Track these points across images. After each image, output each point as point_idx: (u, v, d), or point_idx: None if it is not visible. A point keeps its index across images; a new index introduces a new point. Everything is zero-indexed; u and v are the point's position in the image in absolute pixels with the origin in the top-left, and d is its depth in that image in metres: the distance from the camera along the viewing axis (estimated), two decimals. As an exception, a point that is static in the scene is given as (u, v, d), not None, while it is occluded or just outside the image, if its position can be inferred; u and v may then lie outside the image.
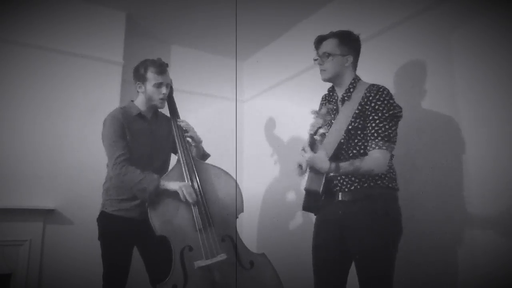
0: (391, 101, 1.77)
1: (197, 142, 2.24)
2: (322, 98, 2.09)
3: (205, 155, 2.32)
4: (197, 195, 2.04)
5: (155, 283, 2.01)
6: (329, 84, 2.00)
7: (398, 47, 2.49)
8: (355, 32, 1.93)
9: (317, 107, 2.10)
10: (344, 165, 1.70)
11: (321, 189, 1.75)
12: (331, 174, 1.66)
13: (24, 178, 2.71)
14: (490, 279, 1.89)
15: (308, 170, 1.80)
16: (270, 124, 3.63)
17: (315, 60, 1.92)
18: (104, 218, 2.13)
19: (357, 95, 1.83)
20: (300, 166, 1.89)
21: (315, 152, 1.71)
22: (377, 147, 1.72)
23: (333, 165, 1.67)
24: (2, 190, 2.63)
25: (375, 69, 2.58)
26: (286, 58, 3.50)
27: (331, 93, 2.00)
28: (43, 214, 2.72)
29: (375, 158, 1.72)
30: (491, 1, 2.04)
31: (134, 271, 2.15)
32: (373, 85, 1.84)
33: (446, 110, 2.18)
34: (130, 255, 2.13)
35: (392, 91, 2.07)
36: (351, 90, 1.87)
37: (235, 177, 2.20)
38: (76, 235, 2.76)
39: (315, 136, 1.58)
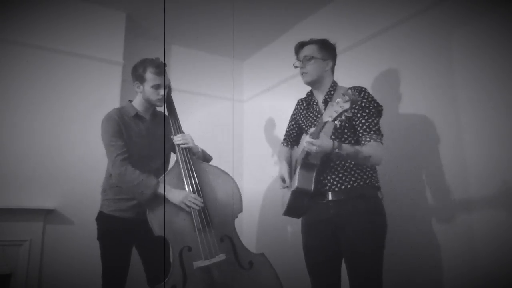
0: (374, 99, 1.88)
1: (195, 154, 2.21)
2: (298, 102, 2.17)
3: (207, 159, 2.31)
4: (198, 205, 2.01)
5: (153, 284, 2.01)
6: None
7: (399, 47, 2.49)
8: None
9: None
10: (346, 146, 1.72)
11: (312, 187, 1.79)
12: (336, 151, 1.66)
13: (24, 178, 2.71)
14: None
15: (298, 169, 1.83)
16: (270, 124, 3.62)
17: (296, 66, 2.02)
18: (102, 218, 2.13)
19: (339, 95, 1.86)
20: (283, 179, 1.97)
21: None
22: (372, 140, 1.78)
23: (336, 143, 1.68)
24: (2, 190, 2.63)
25: (375, 68, 2.59)
26: (286, 58, 3.49)
27: (309, 97, 2.08)
28: (43, 214, 2.72)
29: (373, 147, 1.77)
30: (491, 1, 2.04)
31: (133, 271, 2.16)
32: (352, 87, 1.91)
33: (446, 109, 2.17)
34: (129, 255, 2.13)
35: (391, 90, 2.08)
36: (332, 92, 1.96)
37: (228, 177, 2.17)
38: (76, 235, 2.76)
39: (335, 122, 1.55)
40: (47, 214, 2.74)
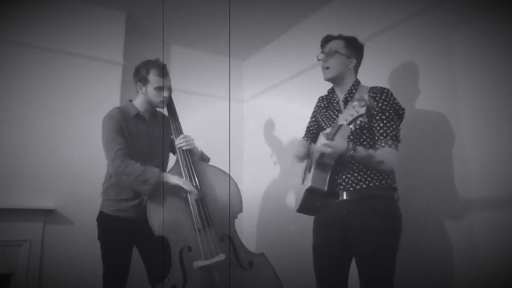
0: (396, 101, 1.82)
1: (195, 155, 2.22)
2: (319, 99, 2.11)
3: (205, 159, 2.32)
4: (198, 190, 2.05)
5: (154, 283, 2.01)
6: (329, 86, 2.02)
7: (398, 47, 2.49)
8: (358, 35, 2.00)
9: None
10: (360, 148, 1.71)
11: (326, 187, 1.78)
12: (351, 153, 1.67)
13: (24, 178, 2.71)
14: (491, 276, 1.90)
15: (312, 168, 1.82)
16: (270, 124, 3.63)
17: (319, 59, 1.95)
18: (103, 219, 2.14)
19: (360, 94, 1.84)
20: (298, 156, 1.97)
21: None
22: (386, 146, 1.75)
23: (351, 144, 1.68)
24: (2, 190, 2.63)
25: (375, 69, 2.58)
26: (286, 58, 3.50)
27: (330, 94, 2.03)
28: (43, 214, 2.72)
29: (387, 152, 1.75)
30: (491, 1, 2.04)
31: (133, 271, 2.16)
32: (375, 87, 1.87)
33: (446, 109, 2.17)
34: (129, 255, 2.13)
35: (391, 90, 2.06)
36: (353, 91, 1.90)
37: (228, 177, 2.19)
38: (76, 235, 2.76)
39: (350, 126, 1.53)
40: (47, 214, 2.74)
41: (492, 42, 2.01)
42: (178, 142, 2.17)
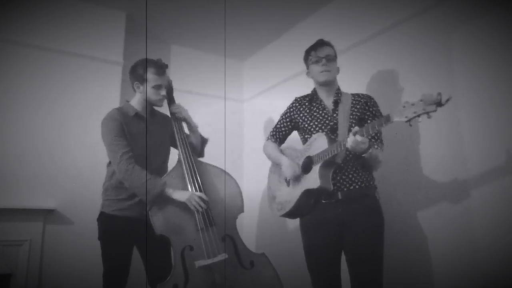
0: (379, 109, 2.02)
1: (194, 128, 2.24)
2: (297, 100, 2.15)
3: (204, 141, 2.32)
4: (204, 202, 2.04)
5: (154, 283, 2.01)
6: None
7: (398, 47, 2.49)
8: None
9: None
10: (373, 148, 1.81)
11: (331, 185, 1.84)
12: (368, 152, 1.74)
13: (24, 178, 2.70)
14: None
15: (318, 167, 1.85)
16: (270, 124, 3.62)
17: (316, 61, 2.02)
18: (103, 219, 2.14)
19: (346, 99, 1.99)
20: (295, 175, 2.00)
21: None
22: (378, 147, 1.89)
23: (370, 144, 1.76)
24: (2, 190, 2.62)
25: (375, 68, 2.59)
26: (286, 58, 3.50)
27: (314, 96, 2.08)
28: (43, 214, 2.71)
29: (379, 153, 1.89)
30: (491, 1, 2.05)
31: (134, 271, 2.16)
32: (358, 93, 2.03)
33: (446, 109, 2.17)
34: (130, 255, 2.13)
35: (391, 90, 2.10)
36: (339, 95, 2.02)
37: (230, 178, 2.21)
38: (76, 235, 2.76)
39: (409, 123, 1.53)
40: (47, 214, 2.73)
41: (492, 42, 2.01)
42: (173, 109, 2.23)
